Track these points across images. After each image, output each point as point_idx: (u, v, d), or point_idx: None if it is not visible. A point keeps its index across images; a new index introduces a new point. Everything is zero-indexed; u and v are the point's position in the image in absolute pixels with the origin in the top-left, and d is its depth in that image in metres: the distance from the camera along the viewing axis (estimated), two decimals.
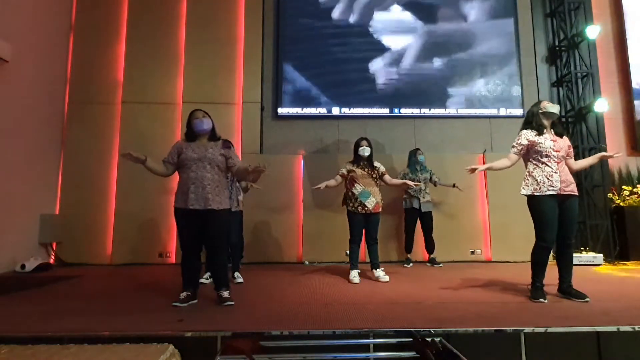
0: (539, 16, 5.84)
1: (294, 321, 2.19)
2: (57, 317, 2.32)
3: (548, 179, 2.67)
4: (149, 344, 1.83)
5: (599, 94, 5.47)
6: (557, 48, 5.69)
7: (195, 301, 2.65)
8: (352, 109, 5.45)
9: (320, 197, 5.04)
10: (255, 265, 4.61)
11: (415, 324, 2.08)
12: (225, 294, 2.66)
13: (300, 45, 5.56)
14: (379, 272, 3.57)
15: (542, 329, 1.99)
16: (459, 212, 5.08)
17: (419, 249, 4.86)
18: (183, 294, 2.62)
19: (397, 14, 5.66)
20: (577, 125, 5.39)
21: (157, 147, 5.06)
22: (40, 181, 4.71)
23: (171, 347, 1.81)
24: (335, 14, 5.63)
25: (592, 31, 5.27)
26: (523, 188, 2.77)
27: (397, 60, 5.57)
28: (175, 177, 2.82)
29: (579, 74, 5.45)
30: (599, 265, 4.60)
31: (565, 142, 2.78)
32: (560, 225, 2.69)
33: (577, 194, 2.71)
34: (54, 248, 4.86)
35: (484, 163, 5.17)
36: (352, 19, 5.64)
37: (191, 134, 2.76)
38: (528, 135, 2.77)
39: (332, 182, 3.70)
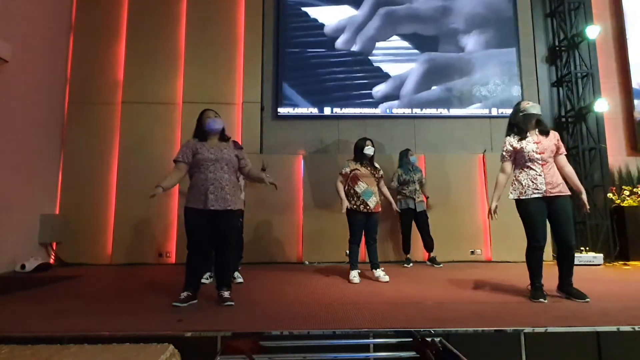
0: (539, 16, 5.84)
1: (294, 321, 2.19)
2: (57, 317, 2.32)
3: (532, 182, 2.68)
4: (149, 344, 1.83)
5: (599, 94, 5.47)
6: (557, 48, 5.69)
7: (195, 301, 2.65)
8: (351, 108, 5.45)
9: (320, 197, 5.05)
10: (255, 265, 4.61)
11: (415, 324, 2.08)
12: (226, 294, 2.66)
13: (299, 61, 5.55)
14: (379, 272, 3.57)
15: (542, 329, 1.99)
16: (459, 212, 5.07)
17: (419, 249, 4.86)
18: (183, 294, 2.61)
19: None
20: (577, 125, 5.39)
21: (157, 147, 5.10)
22: (40, 181, 4.71)
23: (171, 347, 1.81)
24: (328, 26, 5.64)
25: (592, 31, 5.27)
26: (510, 192, 2.80)
27: (395, 60, 5.58)
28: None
29: (579, 74, 5.45)
30: (599, 265, 4.60)
31: (550, 140, 2.73)
32: (556, 227, 2.69)
33: (567, 193, 2.68)
34: (54, 248, 4.86)
35: (483, 163, 5.22)
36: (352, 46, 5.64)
37: (202, 133, 2.75)
38: (511, 142, 2.80)
39: (342, 192, 3.65)
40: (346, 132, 5.41)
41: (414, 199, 4.59)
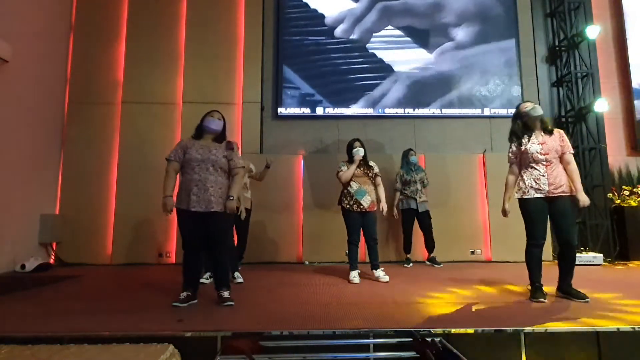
0: (539, 16, 5.83)
1: (294, 321, 2.19)
2: (57, 317, 2.32)
3: (536, 182, 2.69)
4: (149, 344, 1.83)
5: (599, 94, 5.47)
6: (557, 48, 5.69)
7: (195, 301, 2.65)
8: (351, 107, 5.45)
9: (320, 197, 5.05)
10: (255, 265, 4.61)
11: (415, 324, 2.08)
12: (226, 294, 2.66)
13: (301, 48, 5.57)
14: (379, 272, 3.57)
15: (542, 329, 1.99)
16: (459, 212, 5.07)
17: (419, 249, 4.86)
18: (183, 294, 2.62)
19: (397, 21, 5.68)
20: (577, 125, 5.39)
21: (157, 147, 5.09)
22: (40, 181, 4.71)
23: (171, 347, 1.81)
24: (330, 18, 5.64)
25: (592, 31, 5.27)
26: (516, 192, 2.81)
27: (396, 60, 5.58)
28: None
29: (579, 74, 5.45)
30: (599, 265, 4.60)
31: (555, 140, 2.72)
32: (557, 226, 2.70)
33: (569, 193, 2.68)
34: (54, 248, 4.86)
35: (483, 163, 5.22)
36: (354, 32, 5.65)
37: (199, 131, 2.77)
38: (515, 145, 2.82)
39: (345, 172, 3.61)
40: (346, 132, 5.40)
41: (416, 199, 4.59)
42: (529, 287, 2.76)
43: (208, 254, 2.78)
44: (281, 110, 5.42)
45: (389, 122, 5.51)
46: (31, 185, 4.55)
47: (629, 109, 5.67)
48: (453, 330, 1.98)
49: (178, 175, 2.75)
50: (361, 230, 3.64)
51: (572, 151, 2.77)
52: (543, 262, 2.77)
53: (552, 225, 2.75)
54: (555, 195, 2.65)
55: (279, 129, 5.45)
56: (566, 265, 2.72)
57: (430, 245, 4.66)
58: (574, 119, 5.46)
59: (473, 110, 5.50)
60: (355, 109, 5.46)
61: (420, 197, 4.60)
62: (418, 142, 5.42)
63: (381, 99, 5.48)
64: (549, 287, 2.74)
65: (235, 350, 1.82)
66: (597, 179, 5.19)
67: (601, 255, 4.69)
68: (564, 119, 5.58)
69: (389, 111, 5.47)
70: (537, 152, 2.69)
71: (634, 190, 5.16)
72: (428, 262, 4.68)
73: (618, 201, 5.19)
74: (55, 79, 5.03)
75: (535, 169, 2.70)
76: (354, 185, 3.59)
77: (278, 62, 5.53)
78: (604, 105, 5.11)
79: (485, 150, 5.30)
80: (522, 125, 2.78)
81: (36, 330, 2.01)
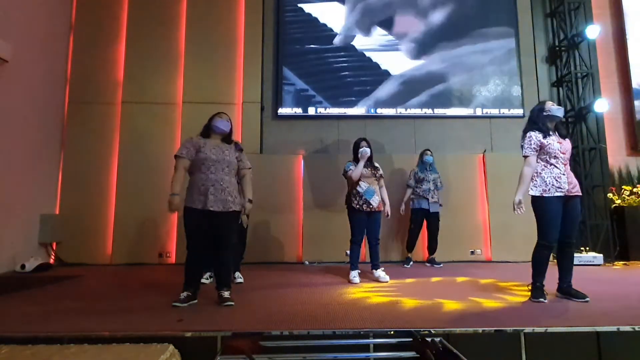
0: (539, 16, 5.83)
1: (294, 321, 2.19)
2: (57, 317, 2.32)
3: (557, 180, 2.65)
4: (149, 344, 1.83)
5: (599, 94, 5.47)
6: (557, 48, 5.69)
7: (195, 301, 2.65)
8: (352, 107, 5.45)
9: (320, 197, 5.05)
10: (255, 265, 4.61)
11: (415, 324, 2.08)
12: (226, 294, 2.66)
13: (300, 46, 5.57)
14: (379, 272, 3.58)
15: (542, 329, 1.99)
16: (459, 212, 5.07)
17: (419, 249, 4.86)
18: (183, 294, 2.61)
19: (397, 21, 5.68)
20: (577, 125, 5.39)
21: (157, 147, 5.10)
22: (40, 181, 4.71)
23: (171, 347, 1.81)
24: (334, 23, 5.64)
25: (592, 31, 5.27)
26: (531, 189, 2.72)
27: (396, 60, 5.58)
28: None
29: (579, 74, 5.45)
30: (599, 265, 4.60)
31: (569, 144, 2.78)
32: (566, 225, 2.69)
33: (580, 194, 2.74)
34: (54, 248, 4.86)
35: (483, 163, 5.22)
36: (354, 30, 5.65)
37: (207, 130, 2.78)
38: (538, 137, 2.73)
39: (354, 170, 3.61)
40: (346, 132, 5.41)
41: (428, 200, 4.58)
42: (530, 287, 2.75)
43: (213, 254, 2.78)
44: (281, 111, 5.42)
45: (389, 122, 5.50)
46: (31, 185, 4.55)
47: (629, 109, 5.67)
48: (453, 330, 1.98)
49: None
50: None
51: None
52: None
53: (561, 223, 2.71)
54: (573, 194, 2.67)
55: (279, 129, 5.45)
56: (565, 264, 2.72)
57: (432, 246, 4.67)
58: (574, 119, 5.46)
59: (473, 110, 5.50)
60: (355, 110, 5.45)
61: (432, 198, 4.60)
62: (418, 142, 5.42)
63: (379, 99, 5.48)
64: (549, 287, 2.74)
65: (235, 350, 1.82)
66: (597, 179, 5.18)
67: (601, 255, 4.69)
68: (564, 119, 5.58)
69: (389, 111, 5.47)
70: (559, 150, 2.69)
71: (634, 190, 5.16)
72: (428, 264, 4.68)
73: (618, 201, 5.19)
74: (55, 79, 5.03)
75: (556, 167, 2.68)
76: (363, 185, 3.59)
77: (278, 62, 5.53)
78: (604, 105, 5.11)
79: (485, 150, 5.30)
80: (545, 119, 2.75)
81: (36, 330, 2.01)
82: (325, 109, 5.44)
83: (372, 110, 5.45)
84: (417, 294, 2.94)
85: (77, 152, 5.07)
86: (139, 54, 5.29)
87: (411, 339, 1.93)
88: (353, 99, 5.47)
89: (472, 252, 5.03)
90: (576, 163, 5.17)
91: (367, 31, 5.63)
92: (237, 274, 3.56)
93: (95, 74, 5.25)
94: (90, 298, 2.93)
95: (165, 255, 4.94)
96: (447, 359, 1.76)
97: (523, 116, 5.32)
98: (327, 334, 1.98)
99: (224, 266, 2.73)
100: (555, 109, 2.75)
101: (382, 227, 3.74)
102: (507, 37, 5.65)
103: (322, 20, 5.63)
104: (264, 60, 5.52)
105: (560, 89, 5.67)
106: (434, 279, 3.66)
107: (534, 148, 2.73)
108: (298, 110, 5.44)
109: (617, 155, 5.52)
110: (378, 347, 1.95)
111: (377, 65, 5.55)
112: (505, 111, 5.47)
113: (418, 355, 1.85)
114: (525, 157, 2.76)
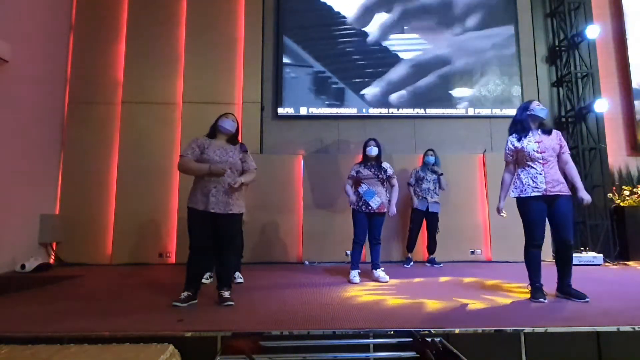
0: (539, 16, 5.83)
1: (294, 321, 2.19)
2: (57, 317, 2.32)
3: (533, 180, 2.69)
4: (149, 344, 1.83)
5: (599, 94, 5.47)
6: (557, 48, 5.69)
7: (195, 301, 2.65)
8: (351, 107, 5.45)
9: (320, 197, 5.05)
10: (255, 265, 4.61)
11: (415, 324, 2.08)
12: (226, 294, 2.67)
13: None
14: (379, 272, 3.58)
15: (542, 329, 1.99)
16: (459, 212, 5.07)
17: (419, 249, 4.86)
18: (184, 294, 2.61)
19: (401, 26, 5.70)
20: (577, 125, 5.39)
21: (157, 147, 5.10)
22: (40, 181, 4.71)
23: (171, 347, 1.81)
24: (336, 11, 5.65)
25: (592, 31, 5.28)
26: (512, 191, 2.83)
27: (396, 60, 5.58)
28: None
29: (579, 74, 5.45)
30: (599, 265, 4.60)
31: (553, 140, 2.74)
32: (555, 226, 2.70)
33: (566, 193, 2.70)
34: (54, 248, 4.85)
35: (483, 163, 5.22)
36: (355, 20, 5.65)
37: (213, 130, 2.80)
38: (512, 142, 2.84)
39: (349, 190, 3.72)
40: (346, 132, 5.41)
41: (427, 199, 4.59)
42: (529, 287, 2.75)
43: (214, 255, 2.78)
44: (281, 110, 5.42)
45: (389, 122, 5.51)
46: (31, 185, 4.55)
47: (629, 109, 5.67)
48: (453, 330, 1.98)
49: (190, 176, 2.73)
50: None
51: (568, 152, 2.80)
52: (543, 262, 2.77)
53: (550, 225, 2.74)
54: (553, 194, 2.65)
55: (279, 129, 5.45)
56: (563, 265, 2.72)
57: (431, 246, 4.67)
58: (574, 119, 5.46)
59: (473, 110, 5.50)
60: (354, 110, 5.46)
61: (432, 198, 4.60)
62: (418, 142, 5.42)
63: (377, 99, 5.48)
64: (549, 287, 2.74)
65: (235, 350, 1.82)
66: (597, 179, 5.19)
67: (601, 255, 4.68)
68: (564, 119, 5.59)
69: (389, 111, 5.46)
70: (534, 151, 2.70)
71: (634, 190, 5.16)
72: (428, 264, 4.68)
73: (618, 201, 5.19)
74: (55, 79, 5.03)
75: (532, 167, 2.72)
76: (363, 187, 3.61)
77: (278, 62, 5.53)
78: (604, 105, 5.11)
79: (485, 150, 5.30)
80: (527, 117, 2.78)
81: (36, 330, 2.01)
82: (323, 109, 5.44)
83: (365, 110, 5.45)
84: (417, 294, 2.94)
85: (77, 152, 5.07)
86: (139, 54, 5.29)
87: (411, 339, 1.93)
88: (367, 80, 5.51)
89: (472, 252, 5.03)
90: (576, 163, 5.14)
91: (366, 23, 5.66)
92: (237, 274, 3.56)
93: (95, 74, 5.25)
94: (90, 298, 2.93)
95: (166, 255, 4.94)
96: (447, 359, 1.76)
97: None
98: (327, 334, 1.98)
99: (224, 267, 2.73)
100: (539, 110, 2.76)
101: (386, 226, 3.74)
102: (507, 36, 5.64)
103: (322, 17, 5.63)
104: (264, 60, 5.52)
105: (560, 89, 5.67)
106: (434, 279, 3.66)
107: (509, 154, 2.86)
108: (299, 110, 5.42)
109: (617, 156, 5.52)
110: (378, 347, 1.95)
111: (382, 57, 5.59)
112: (505, 111, 5.47)
113: (418, 356, 1.85)
114: (505, 162, 2.90)
